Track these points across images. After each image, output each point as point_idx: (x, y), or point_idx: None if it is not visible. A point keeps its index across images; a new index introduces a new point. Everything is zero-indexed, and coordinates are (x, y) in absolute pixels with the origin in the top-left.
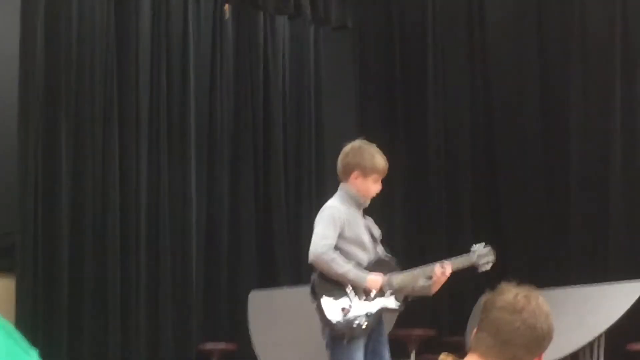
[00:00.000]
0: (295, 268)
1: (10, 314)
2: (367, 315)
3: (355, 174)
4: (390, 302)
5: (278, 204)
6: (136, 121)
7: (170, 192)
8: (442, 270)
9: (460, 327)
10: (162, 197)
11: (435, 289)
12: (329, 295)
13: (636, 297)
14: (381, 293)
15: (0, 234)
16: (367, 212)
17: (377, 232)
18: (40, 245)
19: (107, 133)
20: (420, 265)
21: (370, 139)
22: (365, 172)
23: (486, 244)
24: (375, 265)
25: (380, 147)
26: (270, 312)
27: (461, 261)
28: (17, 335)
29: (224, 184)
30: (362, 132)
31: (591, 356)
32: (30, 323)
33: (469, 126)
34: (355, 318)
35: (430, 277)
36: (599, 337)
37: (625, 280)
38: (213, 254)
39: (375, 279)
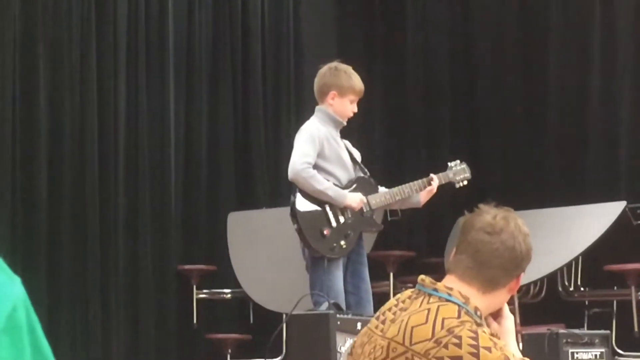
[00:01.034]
0: (273, 189)
1: None
2: (346, 236)
3: (331, 94)
4: (370, 222)
5: (256, 126)
6: (114, 42)
7: (149, 113)
8: (429, 184)
9: (438, 248)
10: (140, 118)
11: (425, 199)
12: (308, 216)
13: (614, 218)
14: (360, 213)
15: None
16: (346, 132)
17: (356, 153)
18: (19, 169)
19: (84, 53)
20: (398, 185)
21: (350, 58)
22: (342, 92)
23: (462, 161)
24: (355, 185)
25: (359, 66)
26: (249, 233)
27: (438, 178)
28: (0, 261)
29: (203, 104)
30: (341, 48)
31: (569, 277)
32: (9, 246)
33: (447, 45)
34: (335, 239)
35: (408, 196)
36: (576, 258)
37: (602, 202)
38: (191, 176)
39: (355, 197)
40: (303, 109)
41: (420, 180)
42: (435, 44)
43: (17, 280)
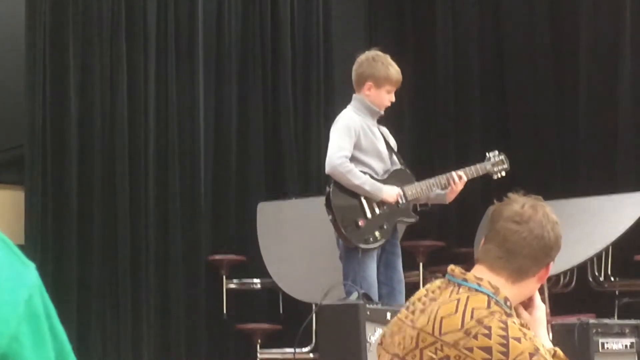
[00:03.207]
0: (303, 179)
1: (20, 226)
2: (381, 227)
3: (368, 84)
4: (405, 213)
5: (286, 116)
6: (144, 35)
7: (178, 105)
8: (458, 179)
9: (468, 238)
10: (170, 110)
11: (451, 197)
12: (343, 207)
13: None
14: (396, 204)
15: (8, 147)
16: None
17: (393, 142)
18: (50, 158)
19: (114, 46)
20: (431, 175)
21: (379, 48)
22: (378, 83)
23: (500, 152)
24: (391, 175)
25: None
26: (279, 223)
27: (476, 169)
28: (13, 245)
29: (232, 94)
30: (371, 40)
31: (599, 267)
32: (39, 235)
33: (477, 36)
34: (370, 230)
35: (445, 187)
36: (606, 248)
37: (634, 191)
38: (222, 166)
39: (391, 191)
40: (333, 99)
41: (447, 174)
42: (466, 34)
43: (31, 267)
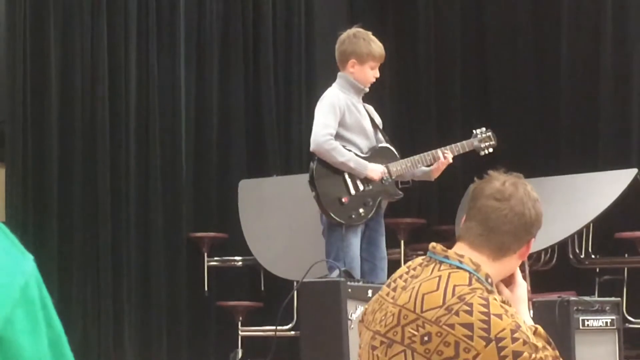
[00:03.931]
0: (284, 157)
1: (0, 202)
2: (365, 204)
3: (351, 62)
4: (390, 190)
5: (267, 93)
6: (124, 15)
7: (160, 84)
8: (444, 156)
9: (449, 216)
10: (151, 88)
11: (436, 174)
12: (327, 184)
13: (625, 186)
14: (381, 180)
15: None
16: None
17: (378, 119)
18: (30, 134)
19: (95, 24)
20: (413, 154)
21: (360, 26)
22: (362, 59)
23: (487, 129)
24: (375, 153)
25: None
26: (260, 200)
27: (462, 146)
28: (13, 236)
29: (214, 73)
30: (352, 20)
31: (580, 245)
32: (20, 211)
33: (459, 12)
34: (354, 207)
35: (430, 163)
36: (587, 226)
37: (614, 169)
38: (203, 143)
39: (375, 168)
40: (314, 77)
41: (433, 151)
42: (447, 15)
43: (29, 257)
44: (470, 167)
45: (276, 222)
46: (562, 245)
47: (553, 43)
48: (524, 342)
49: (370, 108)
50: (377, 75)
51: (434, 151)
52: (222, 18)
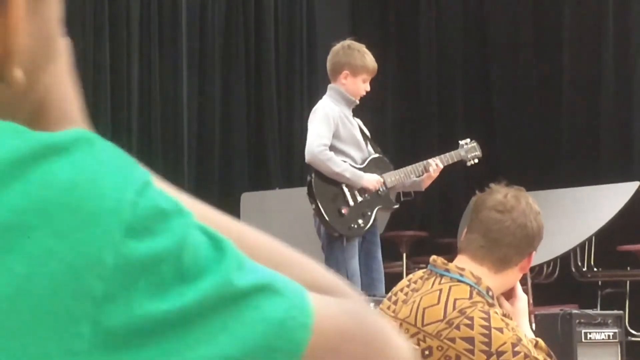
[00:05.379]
0: (286, 169)
1: None
2: (364, 215)
3: (344, 73)
4: (386, 200)
5: (269, 106)
6: (127, 27)
7: (161, 96)
8: (434, 167)
9: (451, 229)
10: (153, 100)
11: (427, 183)
12: (325, 196)
13: (627, 199)
14: (376, 192)
15: None
16: (359, 110)
17: (366, 131)
18: None
19: (97, 34)
20: (414, 163)
21: (362, 37)
22: (355, 71)
23: (472, 140)
24: (370, 163)
25: (372, 46)
26: (262, 213)
27: (451, 156)
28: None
29: (216, 85)
30: (354, 30)
31: (582, 258)
32: None
33: (461, 24)
34: (353, 218)
35: (422, 174)
36: (589, 239)
37: (617, 182)
38: (205, 156)
39: (371, 179)
40: (316, 90)
41: (424, 162)
42: (449, 22)
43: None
44: (472, 180)
45: (278, 235)
46: (564, 258)
47: (555, 55)
48: (525, 356)
49: (359, 121)
50: (368, 88)
51: (425, 162)
52: (224, 31)
